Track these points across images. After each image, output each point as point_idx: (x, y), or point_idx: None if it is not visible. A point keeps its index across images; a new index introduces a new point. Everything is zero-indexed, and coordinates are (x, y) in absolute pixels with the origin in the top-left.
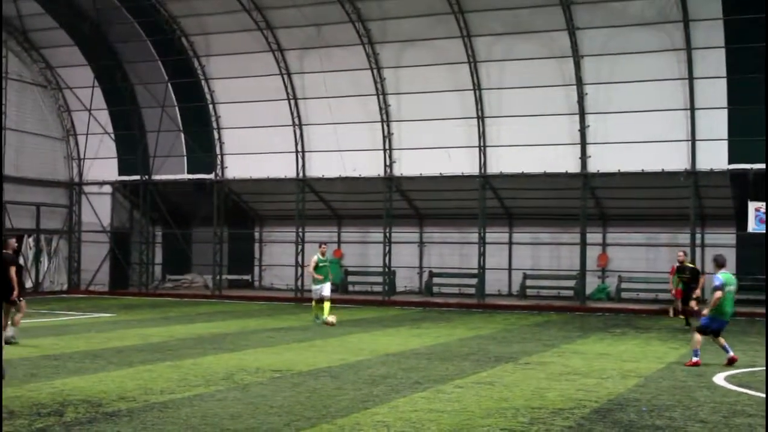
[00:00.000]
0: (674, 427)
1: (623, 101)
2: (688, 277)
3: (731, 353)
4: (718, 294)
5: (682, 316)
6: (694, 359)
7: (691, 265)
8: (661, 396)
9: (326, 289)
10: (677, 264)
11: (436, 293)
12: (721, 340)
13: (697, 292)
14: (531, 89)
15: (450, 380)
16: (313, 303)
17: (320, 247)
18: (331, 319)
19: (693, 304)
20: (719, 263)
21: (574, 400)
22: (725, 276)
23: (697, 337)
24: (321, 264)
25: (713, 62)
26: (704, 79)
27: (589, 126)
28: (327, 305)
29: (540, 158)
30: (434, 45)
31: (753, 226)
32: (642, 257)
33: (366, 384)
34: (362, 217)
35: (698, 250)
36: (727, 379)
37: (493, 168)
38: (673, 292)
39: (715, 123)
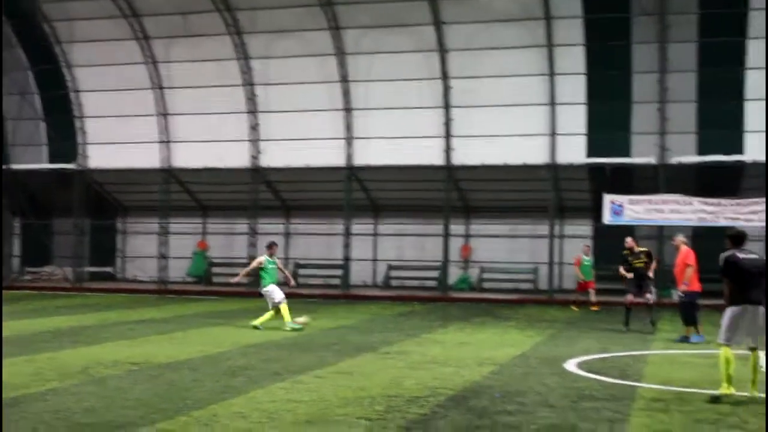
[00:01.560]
0: (525, 412)
1: (487, 95)
2: (645, 262)
3: None
4: None
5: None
6: None
7: (644, 249)
8: (514, 383)
9: (279, 294)
10: (626, 251)
11: (302, 284)
12: None
13: (650, 273)
14: (398, 82)
15: (309, 370)
16: (272, 312)
17: (270, 248)
18: (304, 319)
19: (649, 296)
20: None
21: (431, 388)
22: None
23: None
24: (270, 266)
25: (573, 59)
26: (564, 75)
27: (453, 119)
28: (284, 308)
29: (406, 150)
30: (303, 36)
31: (608, 218)
32: (503, 248)
33: (225, 375)
34: (228, 208)
35: (557, 241)
36: (579, 365)
37: (359, 160)
38: (582, 282)
39: (574, 118)
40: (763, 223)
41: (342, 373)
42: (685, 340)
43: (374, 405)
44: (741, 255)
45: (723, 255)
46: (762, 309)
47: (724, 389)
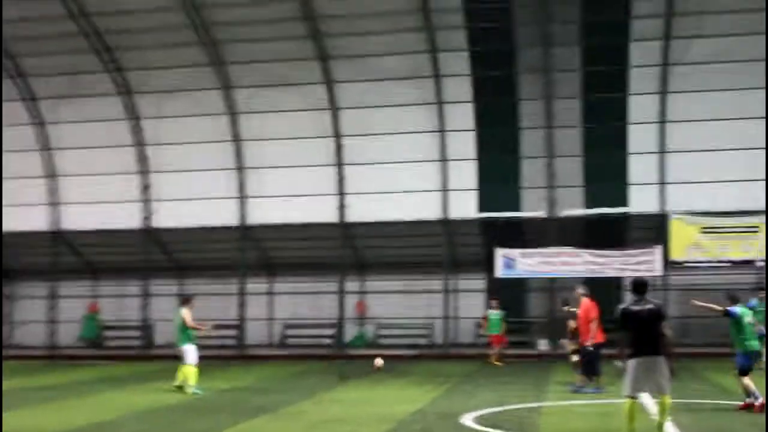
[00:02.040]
0: None
1: (380, 152)
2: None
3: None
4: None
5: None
6: (757, 402)
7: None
8: None
9: (194, 356)
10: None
11: (196, 345)
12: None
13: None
14: (290, 140)
15: None
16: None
17: (189, 302)
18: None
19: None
20: (734, 298)
21: None
22: (741, 310)
23: (745, 380)
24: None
25: (463, 115)
26: (455, 131)
27: (346, 177)
28: (193, 372)
29: (300, 208)
30: (194, 96)
31: (501, 271)
32: (398, 304)
33: None
34: (120, 269)
35: (451, 296)
36: (476, 419)
37: (253, 218)
38: (489, 337)
39: (465, 173)
40: (649, 273)
41: None
42: (579, 390)
43: None
44: (636, 307)
45: (619, 307)
46: (659, 359)
47: None
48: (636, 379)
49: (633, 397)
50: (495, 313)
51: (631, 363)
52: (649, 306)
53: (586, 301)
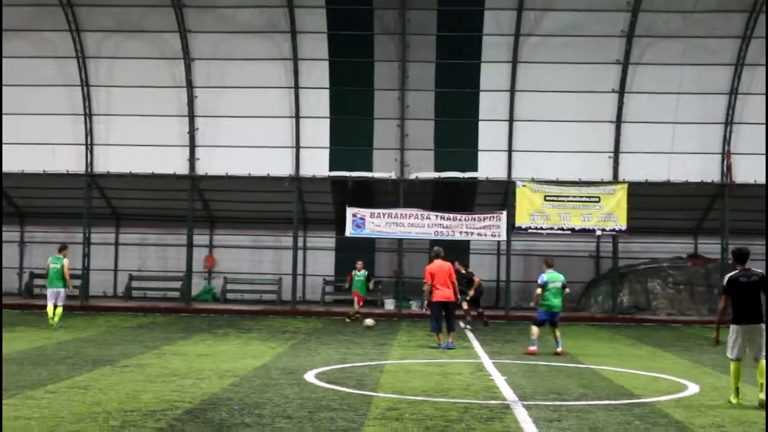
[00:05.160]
0: (262, 424)
1: (233, 106)
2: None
3: (559, 348)
4: (538, 291)
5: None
6: (532, 348)
7: (465, 271)
8: (254, 394)
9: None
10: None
11: (37, 294)
12: (556, 332)
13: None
14: (141, 89)
15: (42, 386)
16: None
17: (65, 249)
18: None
19: (465, 305)
20: (548, 264)
21: (169, 402)
22: (549, 275)
23: (534, 329)
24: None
25: (318, 73)
26: (309, 89)
27: (198, 129)
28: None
29: (149, 159)
30: (41, 37)
31: (350, 230)
32: (247, 259)
33: None
34: None
35: (300, 253)
36: (317, 376)
37: (100, 167)
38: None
39: (318, 131)
40: (495, 238)
41: (76, 388)
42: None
43: (109, 420)
44: (742, 277)
45: (726, 276)
46: (760, 326)
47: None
48: (738, 344)
49: (737, 360)
50: (359, 274)
51: (733, 328)
52: (754, 276)
53: (433, 263)
